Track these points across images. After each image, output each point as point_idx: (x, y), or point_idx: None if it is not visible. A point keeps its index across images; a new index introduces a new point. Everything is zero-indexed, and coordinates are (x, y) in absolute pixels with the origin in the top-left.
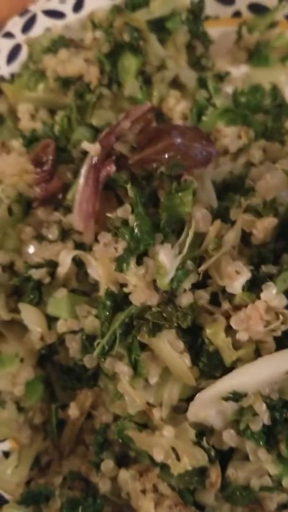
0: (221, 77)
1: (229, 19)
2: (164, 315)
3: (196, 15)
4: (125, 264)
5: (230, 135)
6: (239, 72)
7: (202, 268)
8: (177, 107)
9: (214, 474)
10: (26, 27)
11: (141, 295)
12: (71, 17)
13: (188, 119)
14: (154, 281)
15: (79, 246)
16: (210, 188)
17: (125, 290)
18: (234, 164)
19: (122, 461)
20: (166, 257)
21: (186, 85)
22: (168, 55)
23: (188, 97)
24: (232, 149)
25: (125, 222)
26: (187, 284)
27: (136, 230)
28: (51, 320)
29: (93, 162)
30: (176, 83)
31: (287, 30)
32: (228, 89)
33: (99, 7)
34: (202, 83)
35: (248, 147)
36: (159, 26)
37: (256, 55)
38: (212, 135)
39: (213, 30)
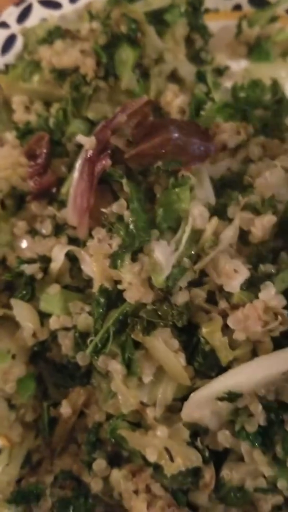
0: (220, 72)
1: (229, 12)
2: (159, 313)
3: (195, 7)
4: (119, 261)
5: (228, 131)
6: (239, 66)
7: (199, 266)
8: (175, 101)
9: (208, 475)
10: (22, 17)
11: (135, 293)
12: (68, 8)
13: (186, 114)
14: (149, 278)
15: (73, 241)
16: (208, 184)
17: (119, 287)
18: (232, 160)
19: (115, 461)
20: (162, 254)
21: (185, 79)
22: (166, 48)
23: (187, 91)
24: (230, 145)
25: (120, 218)
26: (183, 282)
27: (131, 226)
28: (43, 317)
29: (88, 155)
30: (174, 77)
31: None
32: (228, 84)
33: None
34: (201, 77)
35: (247, 143)
36: (158, 18)
37: (256, 50)
38: (210, 130)
39: (212, 24)
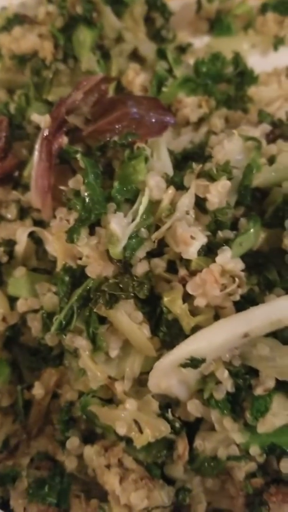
0: (183, 49)
1: None
2: (121, 286)
3: None
4: (75, 235)
5: (190, 105)
6: (202, 43)
7: (156, 235)
8: (137, 80)
9: (181, 446)
10: None
11: (96, 267)
12: None
13: (149, 92)
14: (108, 251)
15: (39, 224)
16: (165, 156)
17: (80, 262)
18: (194, 133)
19: (90, 438)
20: (118, 225)
21: (146, 57)
22: (125, 27)
23: (148, 70)
24: (193, 119)
25: (77, 193)
26: (141, 253)
27: (87, 200)
28: (13, 301)
29: (45, 134)
30: (135, 56)
31: None
32: (191, 60)
33: None
34: (161, 54)
35: (210, 116)
36: None
37: (217, 25)
38: (172, 106)
39: (173, 2)
